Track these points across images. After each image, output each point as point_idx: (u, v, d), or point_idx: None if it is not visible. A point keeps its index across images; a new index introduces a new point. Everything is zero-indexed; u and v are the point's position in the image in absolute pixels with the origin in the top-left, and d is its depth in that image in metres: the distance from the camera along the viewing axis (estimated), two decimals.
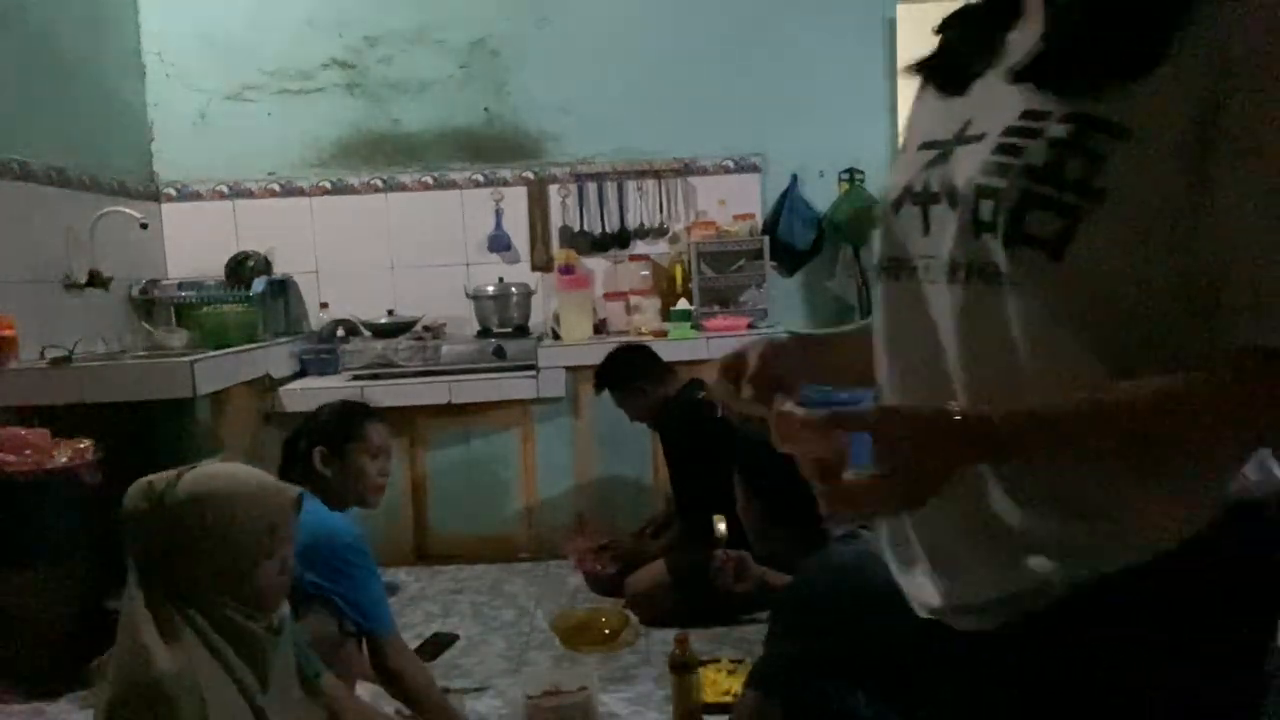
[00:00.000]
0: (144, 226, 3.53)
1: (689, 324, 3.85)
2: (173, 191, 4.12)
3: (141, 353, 3.44)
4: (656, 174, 4.18)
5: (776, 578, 2.76)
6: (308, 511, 1.66)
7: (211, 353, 3.17)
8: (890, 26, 4.17)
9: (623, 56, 4.13)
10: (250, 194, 4.14)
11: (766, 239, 4.12)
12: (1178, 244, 0.72)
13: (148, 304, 3.81)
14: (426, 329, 3.93)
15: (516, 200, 4.17)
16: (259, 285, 3.80)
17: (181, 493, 1.50)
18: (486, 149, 4.18)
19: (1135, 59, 0.72)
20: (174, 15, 4.06)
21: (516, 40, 4.13)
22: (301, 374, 3.78)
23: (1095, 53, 0.75)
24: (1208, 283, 0.71)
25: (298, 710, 1.61)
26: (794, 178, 4.20)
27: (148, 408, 2.83)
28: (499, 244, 4.18)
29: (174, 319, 3.86)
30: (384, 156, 4.17)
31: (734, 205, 4.17)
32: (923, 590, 0.88)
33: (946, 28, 0.95)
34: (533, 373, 3.63)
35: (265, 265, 4.04)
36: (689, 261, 4.06)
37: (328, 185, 4.15)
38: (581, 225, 4.19)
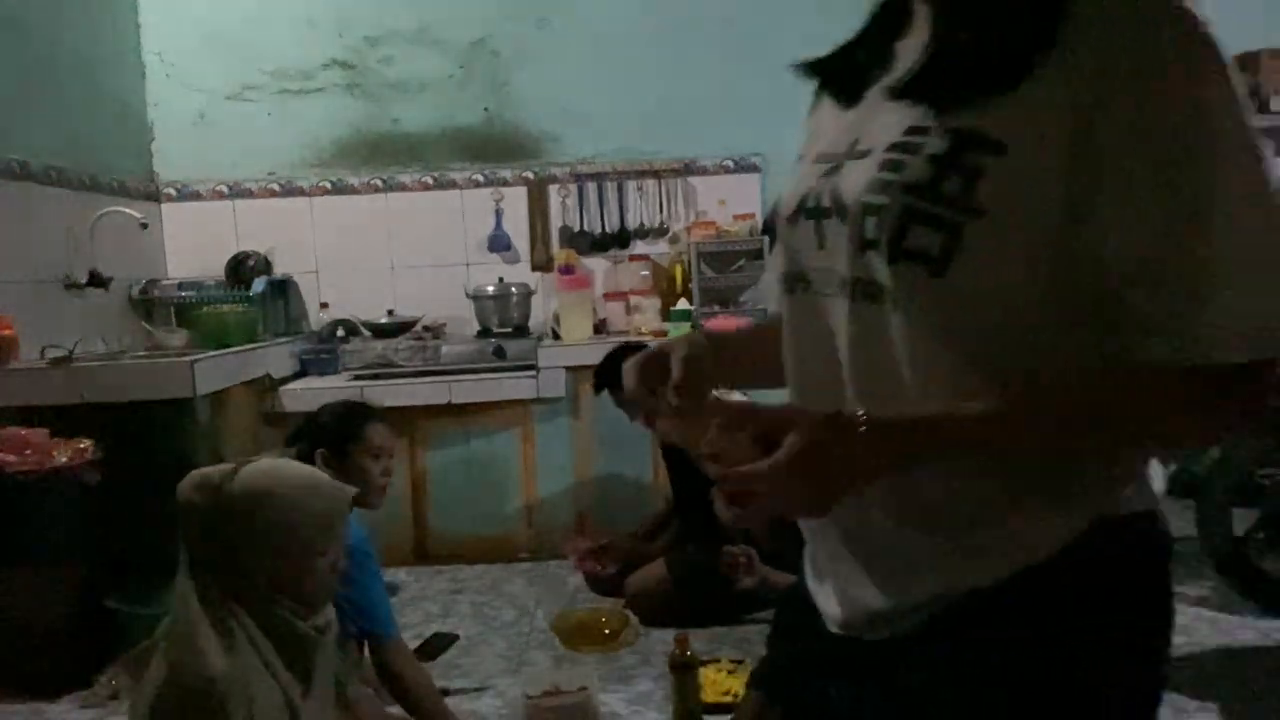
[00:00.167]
0: (144, 226, 3.53)
1: (689, 324, 3.85)
2: (173, 191, 4.12)
3: (141, 353, 3.44)
4: (656, 174, 4.18)
5: (779, 577, 2.76)
6: None
7: (211, 353, 3.17)
8: None
9: (623, 56, 4.13)
10: (250, 194, 4.14)
11: (766, 239, 4.12)
12: (1061, 259, 0.71)
13: (148, 304, 3.81)
14: (426, 329, 3.93)
15: (516, 200, 4.17)
16: (259, 285, 3.80)
17: (238, 487, 1.48)
18: (486, 149, 4.18)
19: (1004, 73, 0.72)
20: (174, 15, 4.06)
21: (516, 40, 4.13)
22: (301, 374, 3.78)
23: (967, 67, 0.75)
24: (1098, 299, 0.71)
25: (332, 717, 1.60)
26: None
27: (148, 408, 2.83)
28: (499, 244, 4.18)
29: (174, 319, 3.86)
30: (384, 156, 4.17)
31: (734, 205, 4.17)
32: (829, 603, 0.89)
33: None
34: (533, 373, 3.63)
35: (265, 265, 4.04)
36: (689, 261, 4.06)
37: (328, 185, 4.15)
38: (581, 225, 4.19)
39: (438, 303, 4.07)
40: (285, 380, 3.63)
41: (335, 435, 2.35)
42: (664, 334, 3.77)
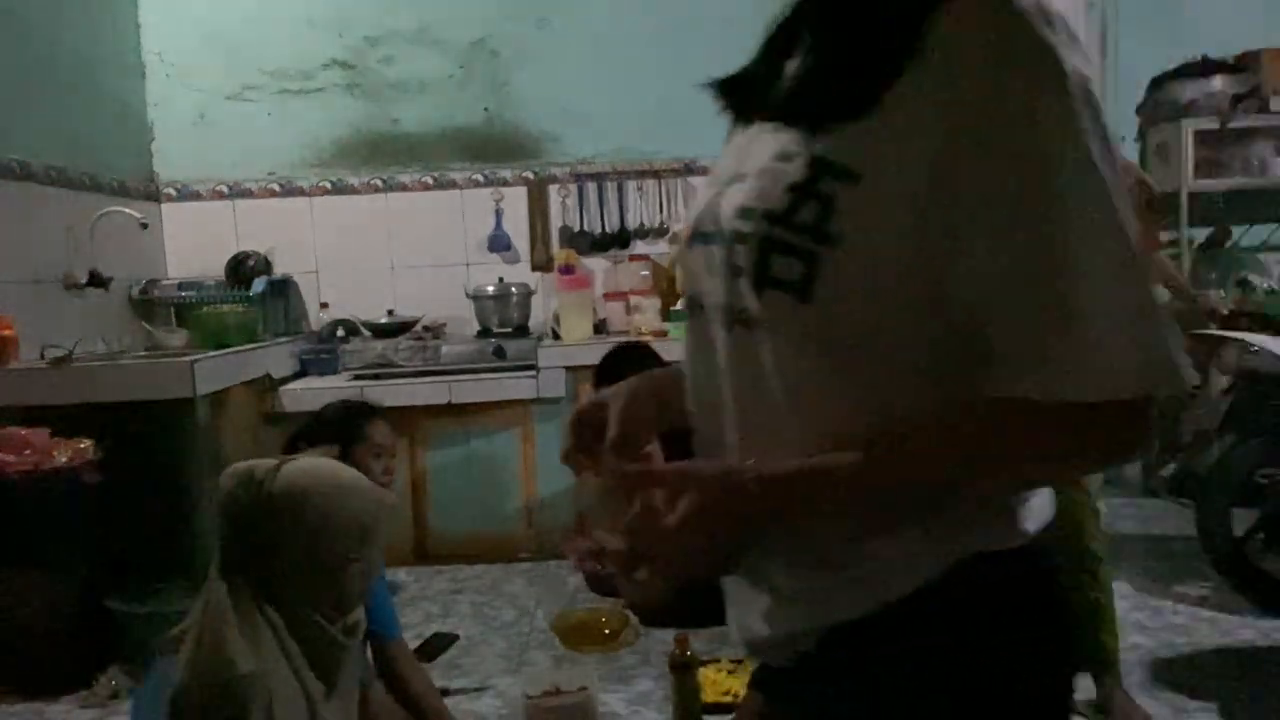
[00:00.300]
0: (144, 226, 3.53)
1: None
2: (173, 191, 4.12)
3: (141, 353, 3.45)
4: (656, 174, 4.18)
5: None
6: None
7: (211, 353, 3.17)
8: None
9: (623, 56, 4.13)
10: (250, 194, 4.14)
11: None
12: (924, 291, 0.70)
13: (148, 304, 3.82)
14: (426, 329, 3.93)
15: (516, 200, 4.17)
16: (259, 285, 3.80)
17: (280, 484, 1.47)
18: (486, 149, 4.18)
19: (853, 101, 0.70)
20: (174, 15, 4.06)
21: (516, 40, 4.13)
22: (301, 374, 3.78)
23: (823, 93, 0.74)
24: (968, 331, 0.69)
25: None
26: None
27: (148, 408, 2.83)
28: (499, 244, 4.18)
29: (174, 319, 3.86)
30: (384, 156, 4.17)
31: None
32: (733, 627, 0.88)
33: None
34: (533, 373, 3.63)
35: (265, 265, 4.04)
36: None
37: (328, 185, 4.15)
38: (581, 225, 4.19)
39: (438, 303, 4.07)
40: (285, 380, 3.63)
41: (338, 434, 2.35)
42: (664, 334, 3.77)
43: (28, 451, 2.59)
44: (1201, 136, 3.99)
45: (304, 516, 1.47)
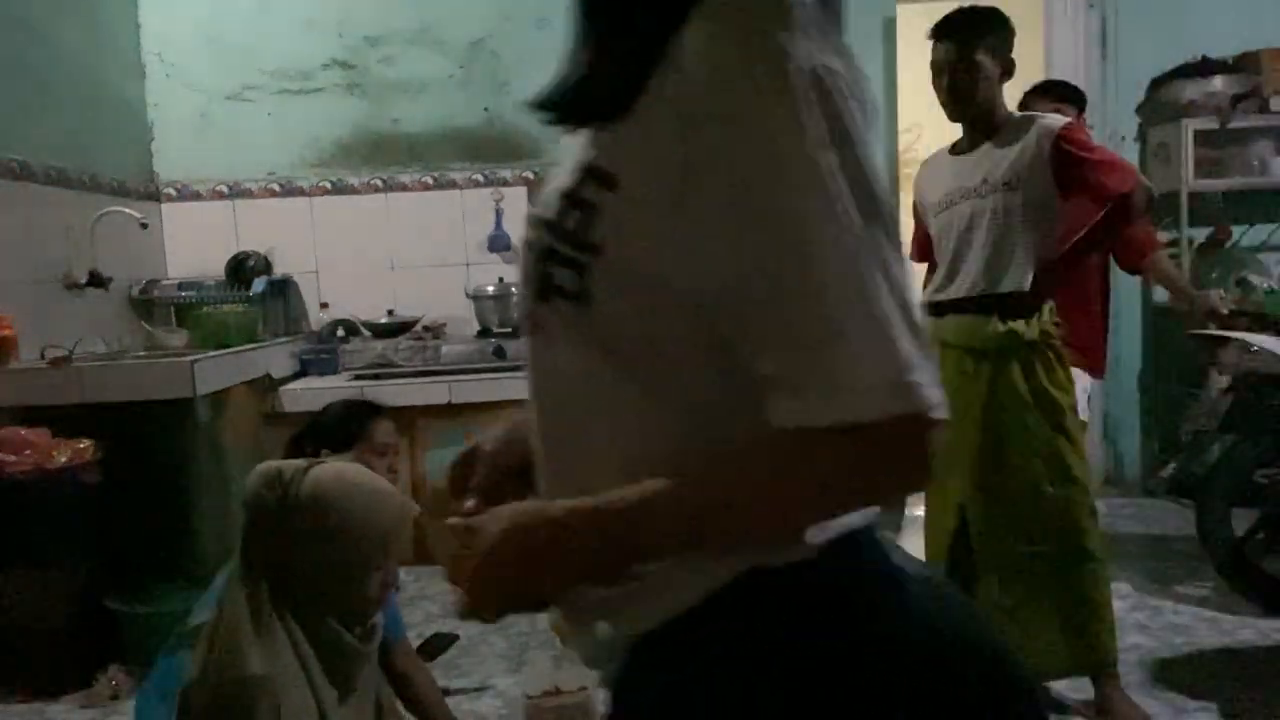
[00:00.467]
0: (144, 226, 3.53)
1: None
2: (173, 191, 4.12)
3: (141, 353, 3.45)
4: None
5: None
6: None
7: (211, 353, 3.17)
8: (890, 26, 4.16)
9: None
10: (250, 194, 4.14)
11: None
12: (689, 301, 0.67)
13: (148, 304, 3.81)
14: (426, 329, 3.93)
15: (516, 200, 4.17)
16: (259, 285, 3.80)
17: (308, 487, 1.46)
18: (486, 149, 4.18)
19: (606, 105, 0.69)
20: (174, 15, 4.06)
21: (516, 40, 4.13)
22: (301, 374, 3.78)
23: (577, 97, 0.73)
24: (731, 348, 0.67)
25: None
26: None
27: (148, 408, 2.83)
28: (499, 244, 4.17)
29: (174, 319, 3.86)
30: (384, 156, 4.17)
31: None
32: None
33: None
34: None
35: (265, 265, 4.04)
36: None
37: (328, 185, 4.15)
38: None
39: (438, 303, 4.07)
40: (285, 380, 3.63)
41: (341, 433, 2.35)
42: None
43: (28, 451, 2.59)
44: (1201, 136, 3.99)
45: (329, 521, 1.45)
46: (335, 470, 1.52)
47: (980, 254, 2.29)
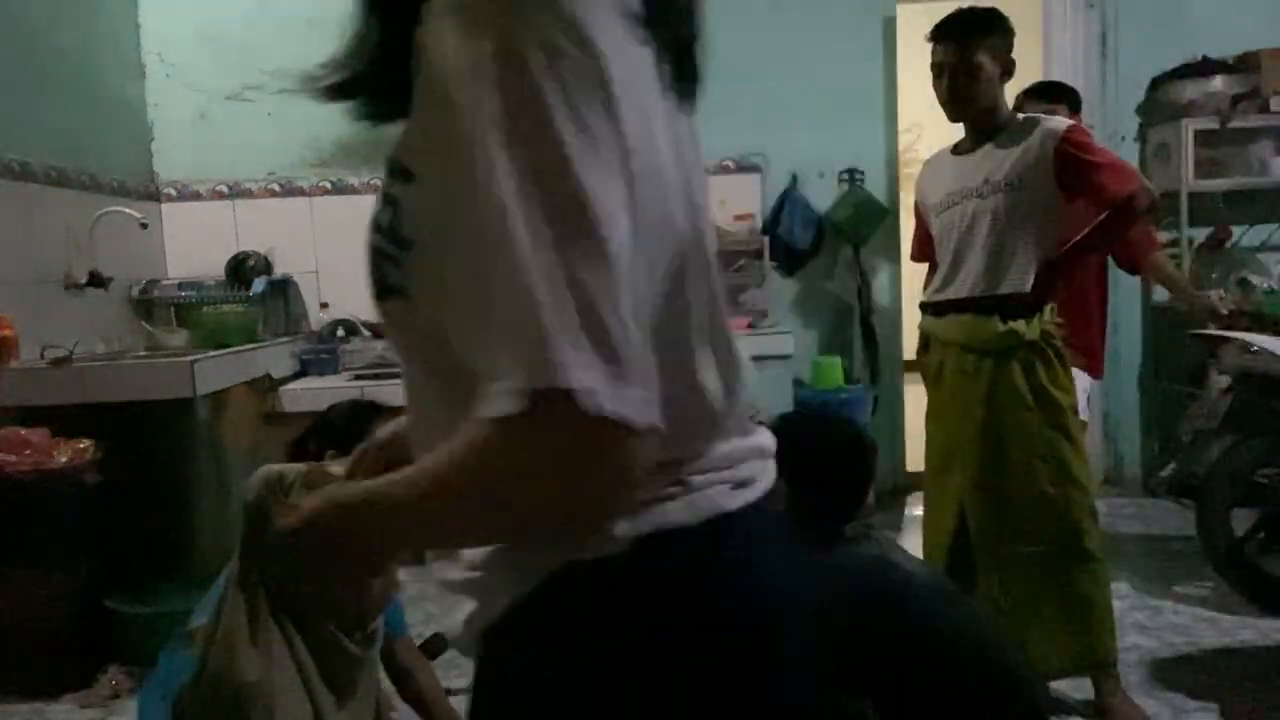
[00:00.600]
0: (144, 226, 3.53)
1: None
2: (173, 191, 4.12)
3: (141, 353, 3.45)
4: None
5: None
6: None
7: (211, 353, 3.16)
8: (890, 26, 4.16)
9: None
10: (250, 194, 4.14)
11: (766, 239, 4.12)
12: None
13: (148, 304, 3.81)
14: None
15: None
16: (259, 285, 3.80)
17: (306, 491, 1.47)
18: None
19: (386, 100, 0.69)
20: (174, 15, 4.06)
21: None
22: (302, 374, 3.77)
23: (368, 92, 0.74)
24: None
25: None
26: (794, 178, 4.20)
27: (148, 408, 2.83)
28: None
29: (174, 319, 3.86)
30: (384, 156, 4.16)
31: (734, 205, 4.17)
32: None
33: None
34: None
35: (265, 265, 4.04)
36: None
37: (328, 185, 4.15)
38: None
39: None
40: (285, 380, 3.63)
41: (345, 434, 2.34)
42: None
43: (28, 451, 2.59)
44: (1201, 136, 3.98)
45: None
46: (333, 474, 1.52)
47: (981, 254, 2.29)
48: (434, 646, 2.87)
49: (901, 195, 4.38)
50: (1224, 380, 3.11)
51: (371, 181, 4.14)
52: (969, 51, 2.24)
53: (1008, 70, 2.29)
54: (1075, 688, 2.37)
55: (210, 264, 4.03)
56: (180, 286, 3.87)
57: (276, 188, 4.14)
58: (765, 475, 0.77)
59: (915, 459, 3.78)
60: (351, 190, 4.15)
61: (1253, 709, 2.34)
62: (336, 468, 1.60)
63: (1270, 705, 2.36)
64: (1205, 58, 4.06)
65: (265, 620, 1.42)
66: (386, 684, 2.16)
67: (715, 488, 0.71)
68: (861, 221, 4.13)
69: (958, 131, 2.41)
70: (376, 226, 0.71)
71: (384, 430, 0.96)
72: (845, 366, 4.17)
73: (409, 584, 3.46)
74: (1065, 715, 2.33)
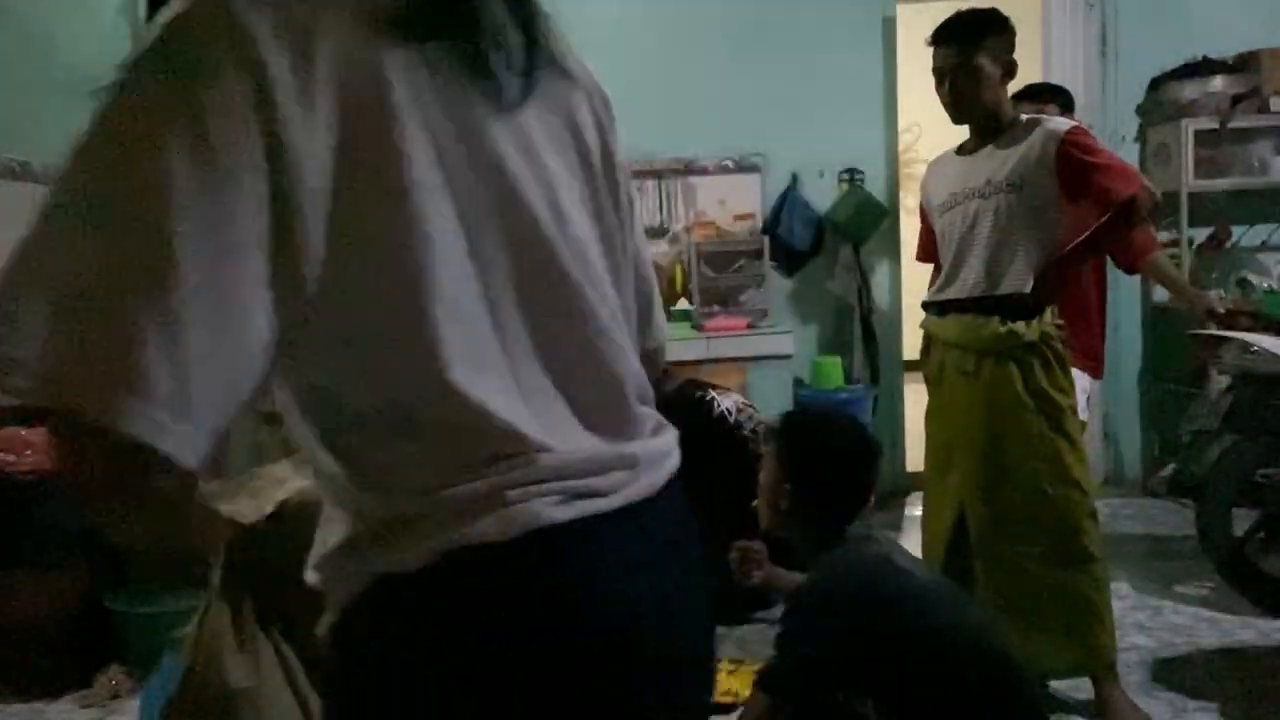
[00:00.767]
0: None
1: (689, 324, 3.85)
2: None
3: None
4: (656, 174, 4.18)
5: (787, 577, 2.75)
6: None
7: None
8: (890, 26, 4.17)
9: (622, 56, 4.11)
10: None
11: (766, 239, 4.12)
12: None
13: None
14: None
15: None
16: None
17: (296, 497, 1.44)
18: None
19: None
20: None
21: None
22: None
23: None
24: None
25: None
26: (794, 178, 4.20)
27: None
28: None
29: None
30: None
31: (734, 205, 4.17)
32: None
33: None
34: None
35: None
36: (689, 261, 4.06)
37: None
38: None
39: None
40: None
41: None
42: None
43: (28, 452, 2.59)
44: (1201, 136, 3.99)
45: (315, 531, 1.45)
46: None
47: (982, 255, 2.29)
48: None
49: (901, 195, 4.38)
50: (1224, 380, 3.11)
51: None
52: (969, 55, 2.24)
53: (1009, 71, 2.29)
54: (1075, 688, 2.37)
55: None
56: None
57: None
58: (632, 485, 0.76)
59: (915, 459, 3.79)
60: None
61: (1252, 709, 2.34)
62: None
63: (1270, 705, 2.36)
64: (1205, 58, 4.07)
65: (251, 626, 1.41)
66: None
67: (536, 501, 0.70)
68: (861, 221, 4.13)
69: (958, 132, 2.41)
70: None
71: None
72: (845, 366, 4.17)
73: None
74: (1065, 715, 2.33)
